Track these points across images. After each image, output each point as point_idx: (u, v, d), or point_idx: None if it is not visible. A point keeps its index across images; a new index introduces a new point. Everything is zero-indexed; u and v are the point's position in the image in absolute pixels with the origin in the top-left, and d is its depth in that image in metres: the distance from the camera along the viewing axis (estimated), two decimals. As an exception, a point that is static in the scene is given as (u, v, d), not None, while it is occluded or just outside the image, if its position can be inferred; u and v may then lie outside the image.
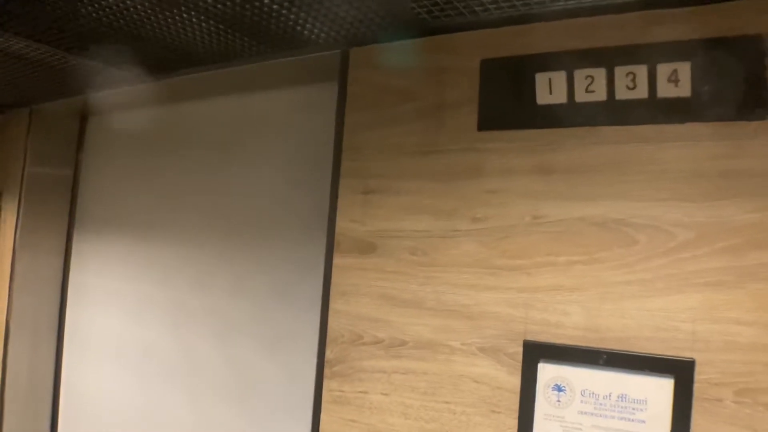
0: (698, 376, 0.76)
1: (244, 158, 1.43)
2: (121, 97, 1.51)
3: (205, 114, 1.52)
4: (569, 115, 0.87)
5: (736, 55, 0.77)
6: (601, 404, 0.82)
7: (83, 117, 1.80)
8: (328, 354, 1.04)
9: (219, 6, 0.94)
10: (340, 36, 1.04)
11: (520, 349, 0.87)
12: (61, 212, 1.79)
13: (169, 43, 1.12)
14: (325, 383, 1.04)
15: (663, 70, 0.79)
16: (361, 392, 1.00)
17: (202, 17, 0.99)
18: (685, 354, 0.77)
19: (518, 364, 0.87)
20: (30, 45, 1.16)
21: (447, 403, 0.93)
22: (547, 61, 0.88)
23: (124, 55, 1.19)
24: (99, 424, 1.64)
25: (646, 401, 0.79)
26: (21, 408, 1.68)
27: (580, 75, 0.85)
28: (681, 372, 0.77)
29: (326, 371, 1.04)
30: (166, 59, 1.21)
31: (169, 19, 1.01)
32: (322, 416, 1.03)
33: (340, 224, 1.06)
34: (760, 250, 0.74)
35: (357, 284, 1.02)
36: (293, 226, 1.32)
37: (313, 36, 1.05)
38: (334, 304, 1.04)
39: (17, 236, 1.69)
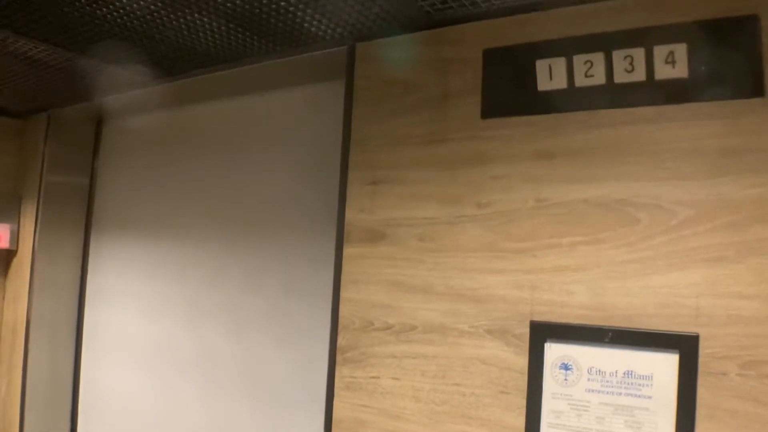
0: (702, 350, 0.77)
1: (254, 156, 1.46)
2: (133, 100, 1.55)
3: (216, 114, 1.55)
4: (570, 100, 0.89)
5: (732, 36, 0.78)
6: (607, 381, 0.83)
7: (99, 121, 1.85)
8: (340, 341, 1.06)
9: (228, 5, 0.98)
10: (346, 32, 1.07)
11: (527, 330, 0.89)
12: (78, 216, 1.84)
13: (181, 43, 1.15)
14: (338, 370, 1.06)
15: (660, 52, 0.81)
16: (372, 377, 1.02)
17: (213, 17, 1.03)
18: (689, 329, 0.78)
19: (525, 345, 0.89)
20: (46, 49, 1.20)
21: (457, 385, 0.94)
22: (546, 49, 0.90)
23: (137, 56, 1.23)
24: (118, 421, 1.67)
25: (652, 377, 0.80)
26: (41, 407, 1.72)
27: (579, 60, 0.87)
28: (685, 347, 0.78)
29: (338, 358, 1.06)
30: (177, 60, 1.25)
31: (181, 20, 1.05)
32: (335, 402, 1.05)
33: (350, 215, 1.08)
34: (759, 224, 0.76)
35: (367, 272, 1.05)
36: (303, 221, 1.35)
37: (320, 33, 1.08)
38: (345, 293, 1.07)
39: (36, 240, 1.73)
